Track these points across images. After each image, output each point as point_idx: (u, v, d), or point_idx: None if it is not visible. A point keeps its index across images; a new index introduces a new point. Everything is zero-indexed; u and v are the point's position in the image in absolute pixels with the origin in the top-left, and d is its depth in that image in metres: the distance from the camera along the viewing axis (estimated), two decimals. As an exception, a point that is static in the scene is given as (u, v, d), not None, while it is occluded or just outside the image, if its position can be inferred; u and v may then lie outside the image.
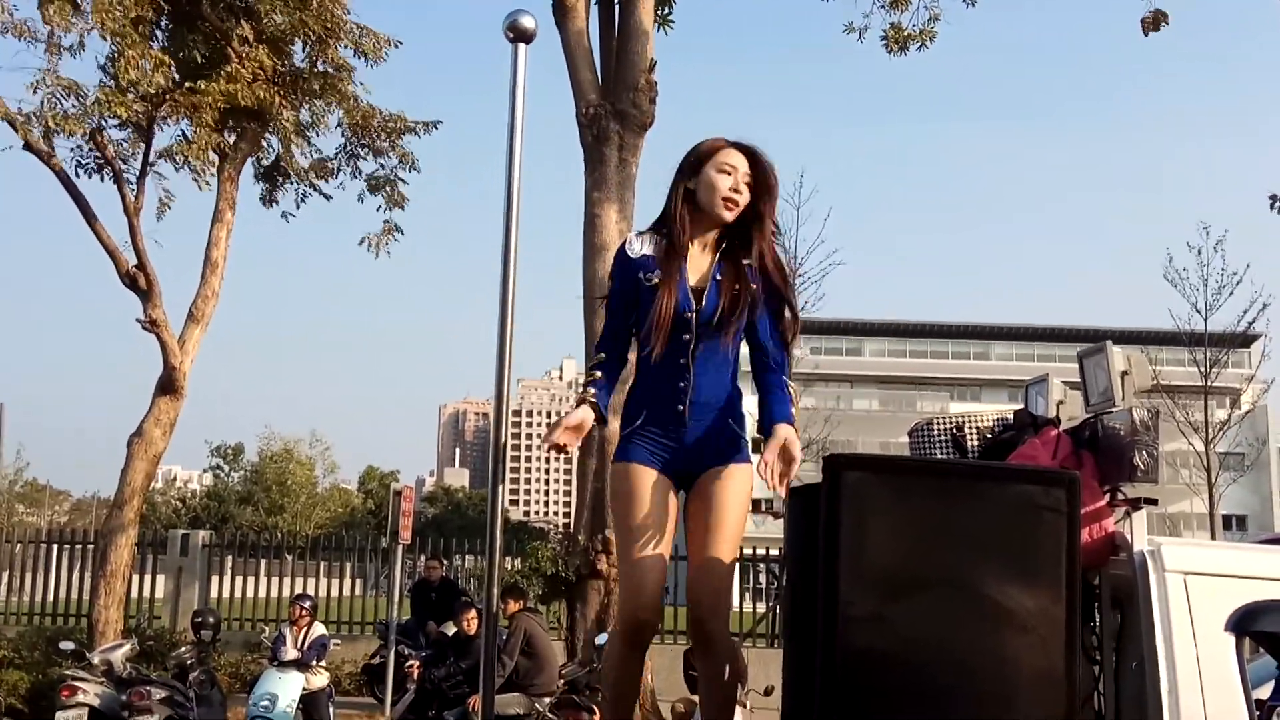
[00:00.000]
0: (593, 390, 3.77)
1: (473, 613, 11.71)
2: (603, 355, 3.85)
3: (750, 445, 3.86)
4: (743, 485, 3.74)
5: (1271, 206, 13.27)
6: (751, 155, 3.76)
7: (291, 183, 16.30)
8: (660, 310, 3.65)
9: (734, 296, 3.68)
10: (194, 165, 14.33)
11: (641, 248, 3.81)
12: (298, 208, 16.41)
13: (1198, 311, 27.15)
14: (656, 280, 3.71)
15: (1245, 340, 30.17)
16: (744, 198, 3.73)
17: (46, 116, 12.79)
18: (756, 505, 3.96)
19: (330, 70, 14.95)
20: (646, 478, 3.71)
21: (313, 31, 14.40)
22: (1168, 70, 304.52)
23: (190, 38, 14.27)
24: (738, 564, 3.98)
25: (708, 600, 3.62)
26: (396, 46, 15.09)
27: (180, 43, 14.26)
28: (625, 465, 3.77)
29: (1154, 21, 13.47)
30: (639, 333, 3.78)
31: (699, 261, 3.77)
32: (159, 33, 14.53)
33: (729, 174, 3.72)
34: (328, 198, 16.52)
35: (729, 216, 3.73)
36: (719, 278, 3.72)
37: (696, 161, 3.79)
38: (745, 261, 3.74)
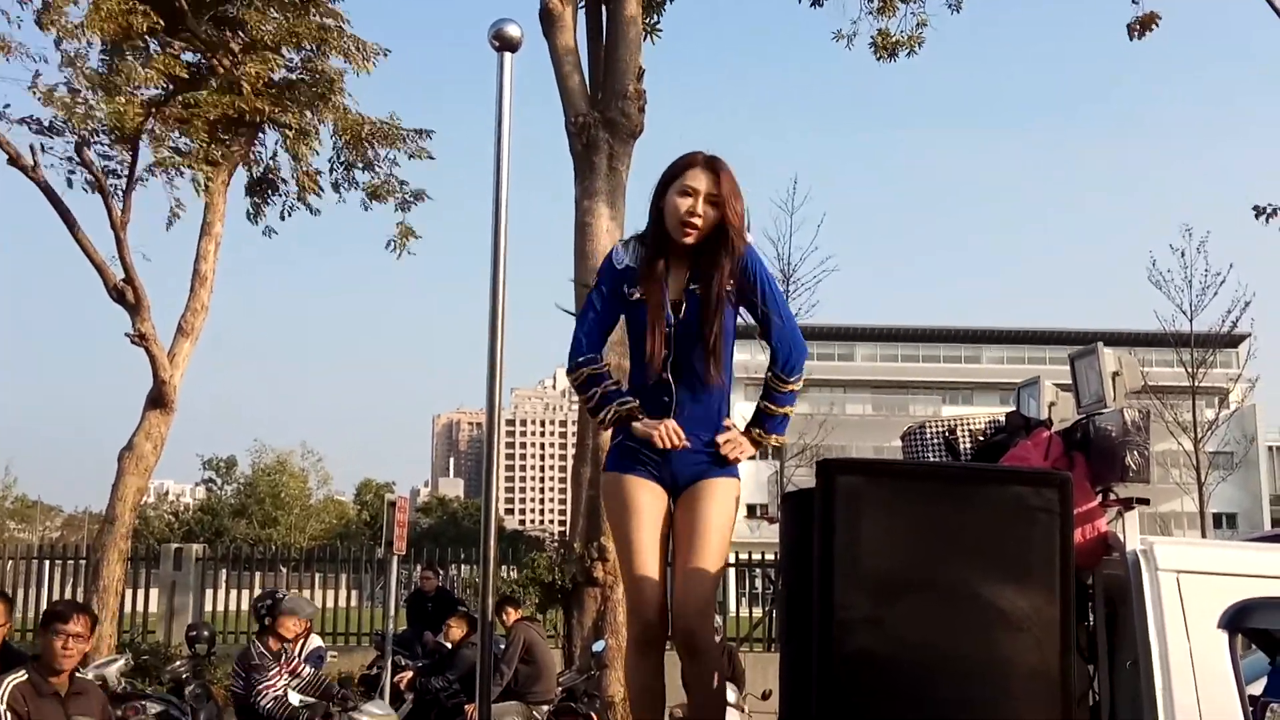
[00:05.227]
0: (628, 399, 3.79)
1: (455, 619, 11.70)
2: (593, 357, 3.85)
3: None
4: (726, 497, 3.74)
5: (1257, 216, 13.29)
6: (715, 170, 3.75)
7: (280, 195, 16.30)
8: (650, 329, 3.71)
9: (708, 309, 3.71)
10: (196, 173, 14.35)
11: (626, 258, 3.85)
12: (283, 219, 16.40)
13: (1183, 313, 27.33)
14: (638, 295, 3.76)
15: (1232, 341, 30.29)
16: (704, 218, 3.72)
17: (55, 100, 12.90)
18: (752, 510, 3.96)
19: (320, 79, 14.96)
20: (639, 487, 3.75)
21: (305, 42, 14.42)
22: (1154, 75, 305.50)
23: (176, 45, 14.28)
24: (732, 569, 3.98)
25: (691, 612, 3.64)
26: (385, 55, 15.11)
27: (168, 55, 14.30)
28: (617, 476, 3.82)
29: (1142, 26, 13.40)
30: (629, 348, 3.83)
31: (677, 275, 3.80)
32: (147, 43, 14.56)
33: (689, 195, 3.72)
34: (315, 212, 16.49)
35: (687, 240, 3.75)
36: (693, 287, 3.76)
37: (665, 183, 3.81)
38: (718, 272, 3.75)
